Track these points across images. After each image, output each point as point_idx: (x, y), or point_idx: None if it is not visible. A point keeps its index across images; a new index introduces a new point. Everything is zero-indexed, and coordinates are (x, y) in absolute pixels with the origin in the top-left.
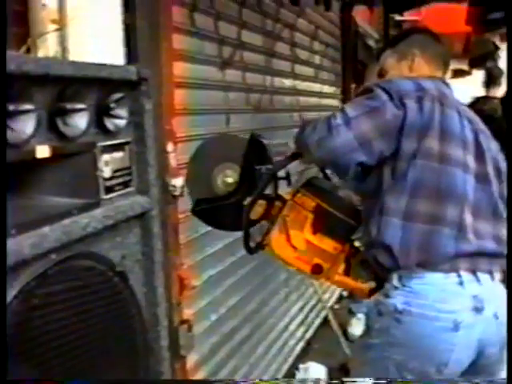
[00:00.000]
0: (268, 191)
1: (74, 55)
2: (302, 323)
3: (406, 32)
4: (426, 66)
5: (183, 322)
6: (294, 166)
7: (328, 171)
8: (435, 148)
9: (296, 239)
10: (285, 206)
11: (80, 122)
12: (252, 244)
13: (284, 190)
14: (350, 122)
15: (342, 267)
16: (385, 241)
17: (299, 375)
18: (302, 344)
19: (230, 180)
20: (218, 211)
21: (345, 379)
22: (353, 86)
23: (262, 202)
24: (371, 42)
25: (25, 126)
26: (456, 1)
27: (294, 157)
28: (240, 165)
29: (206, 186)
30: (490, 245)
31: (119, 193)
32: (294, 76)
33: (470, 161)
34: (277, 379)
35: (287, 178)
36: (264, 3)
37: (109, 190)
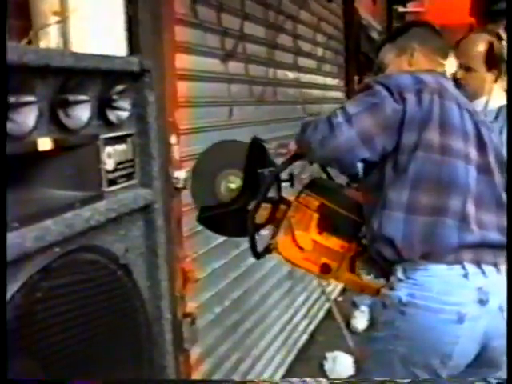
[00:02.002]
0: (272, 194)
1: (76, 47)
2: (305, 316)
3: (405, 26)
4: (425, 60)
5: (187, 314)
6: (296, 167)
7: (330, 171)
8: (435, 140)
9: (302, 239)
10: (290, 209)
11: (82, 113)
12: (259, 248)
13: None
14: (351, 119)
15: (349, 266)
16: (387, 234)
17: (327, 364)
18: (305, 336)
19: (233, 186)
20: (223, 218)
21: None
22: (356, 77)
23: (266, 206)
24: (374, 34)
25: (26, 118)
26: None
27: (296, 158)
28: (243, 170)
29: (211, 193)
30: (494, 236)
31: (122, 185)
32: (297, 68)
33: (472, 152)
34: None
35: (290, 179)
36: None
37: (112, 182)
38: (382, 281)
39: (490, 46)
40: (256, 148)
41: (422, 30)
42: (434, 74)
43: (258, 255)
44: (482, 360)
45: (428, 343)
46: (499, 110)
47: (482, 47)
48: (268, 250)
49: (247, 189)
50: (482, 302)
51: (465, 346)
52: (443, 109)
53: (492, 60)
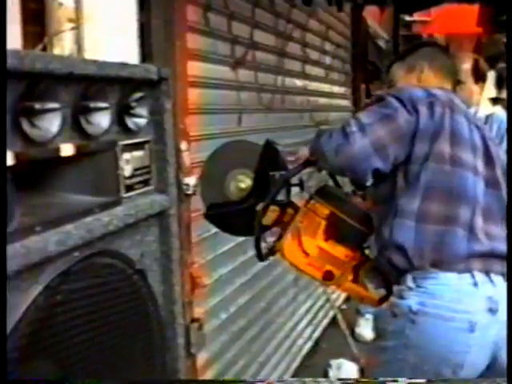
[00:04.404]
0: (281, 197)
1: (90, 54)
2: (310, 323)
3: (414, 45)
4: (434, 78)
5: (194, 320)
6: (307, 173)
7: (339, 179)
8: (446, 151)
9: (308, 245)
10: (297, 213)
11: (103, 120)
12: (264, 250)
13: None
14: (365, 129)
15: (351, 275)
16: (398, 242)
17: (332, 371)
18: (310, 343)
19: (243, 185)
20: (230, 216)
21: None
22: (363, 86)
23: (274, 208)
24: (381, 43)
25: (50, 124)
26: (467, 2)
27: (307, 164)
28: (254, 170)
29: (220, 191)
30: (502, 246)
31: (139, 191)
32: (305, 76)
33: (480, 165)
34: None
35: (300, 184)
36: (276, 3)
37: (129, 188)
38: (382, 291)
39: (476, 62)
40: (269, 150)
41: (431, 49)
42: (444, 89)
43: (261, 256)
44: (493, 371)
45: (439, 352)
46: (487, 117)
47: (468, 64)
48: (272, 251)
49: (257, 190)
50: (492, 311)
51: (476, 356)
52: (453, 122)
53: (478, 74)
